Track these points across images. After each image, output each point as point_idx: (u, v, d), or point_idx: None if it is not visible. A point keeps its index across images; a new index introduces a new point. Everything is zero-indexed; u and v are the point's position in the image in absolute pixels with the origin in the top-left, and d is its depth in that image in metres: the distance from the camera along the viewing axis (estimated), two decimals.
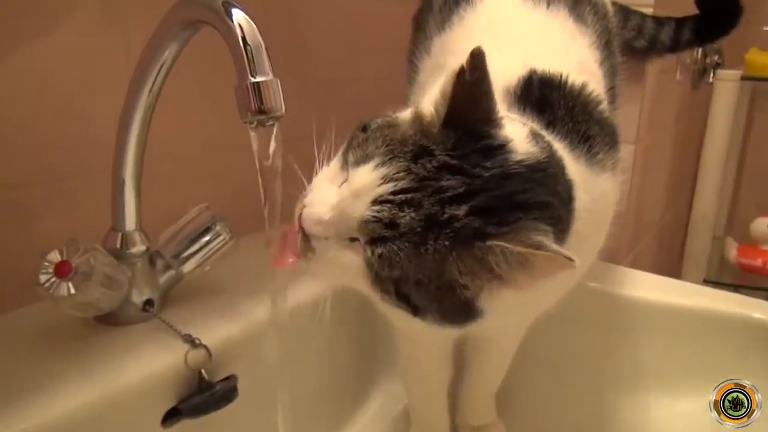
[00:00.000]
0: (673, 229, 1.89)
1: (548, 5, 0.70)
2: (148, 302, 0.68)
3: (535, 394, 0.87)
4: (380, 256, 0.48)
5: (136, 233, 0.67)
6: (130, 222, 0.66)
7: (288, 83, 0.54)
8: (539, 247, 0.45)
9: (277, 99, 0.52)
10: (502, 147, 0.50)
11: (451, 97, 0.50)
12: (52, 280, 0.57)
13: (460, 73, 0.49)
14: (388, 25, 0.99)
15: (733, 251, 2.02)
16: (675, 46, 1.12)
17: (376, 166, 0.50)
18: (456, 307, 0.50)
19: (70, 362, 0.59)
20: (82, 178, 0.75)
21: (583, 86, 0.61)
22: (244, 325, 0.69)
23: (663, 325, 0.83)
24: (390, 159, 0.49)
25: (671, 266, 1.95)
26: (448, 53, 0.72)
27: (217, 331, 0.67)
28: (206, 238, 0.70)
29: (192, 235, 0.69)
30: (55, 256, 0.58)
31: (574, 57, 0.67)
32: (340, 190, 0.52)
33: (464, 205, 0.47)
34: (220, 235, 0.70)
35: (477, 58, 0.48)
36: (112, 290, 0.62)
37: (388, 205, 0.48)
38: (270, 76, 0.52)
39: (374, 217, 0.48)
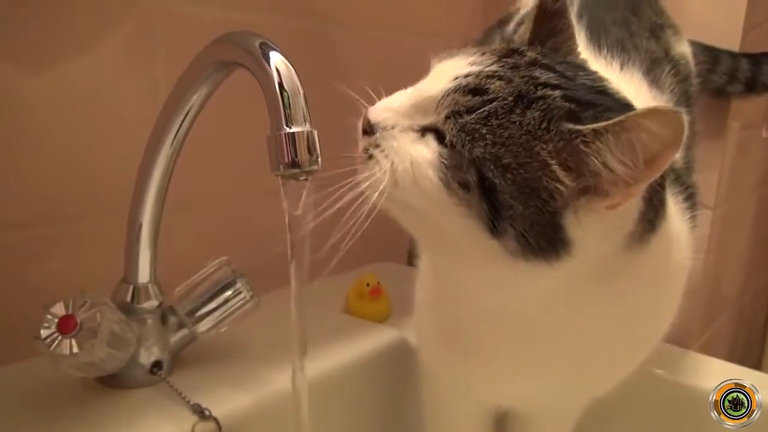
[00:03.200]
0: (753, 309, 1.83)
1: (621, 67, 0.70)
2: (157, 364, 0.68)
3: None
4: (462, 128, 0.48)
5: (150, 286, 0.68)
6: (144, 274, 0.67)
7: (326, 132, 0.54)
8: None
9: (313, 152, 0.53)
10: (593, 71, 0.53)
11: (534, 21, 0.54)
12: (54, 335, 0.58)
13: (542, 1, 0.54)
14: None
15: None
16: None
17: (463, 58, 0.53)
18: (543, 222, 0.47)
19: (64, 428, 0.59)
20: (95, 219, 0.77)
21: None
22: (260, 396, 0.69)
23: None
24: (479, 54, 0.52)
25: (750, 354, 1.88)
26: None
27: (230, 402, 0.66)
28: (225, 296, 0.70)
29: (209, 292, 0.70)
30: (59, 309, 0.59)
31: None
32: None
33: (558, 90, 0.48)
34: (240, 293, 0.71)
35: None
36: (119, 350, 0.62)
37: (473, 76, 0.50)
38: (307, 127, 0.53)
39: (456, 86, 0.49)
